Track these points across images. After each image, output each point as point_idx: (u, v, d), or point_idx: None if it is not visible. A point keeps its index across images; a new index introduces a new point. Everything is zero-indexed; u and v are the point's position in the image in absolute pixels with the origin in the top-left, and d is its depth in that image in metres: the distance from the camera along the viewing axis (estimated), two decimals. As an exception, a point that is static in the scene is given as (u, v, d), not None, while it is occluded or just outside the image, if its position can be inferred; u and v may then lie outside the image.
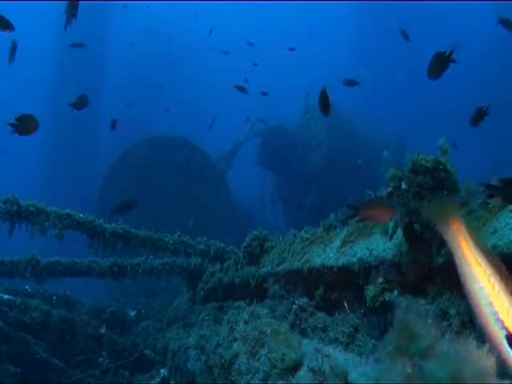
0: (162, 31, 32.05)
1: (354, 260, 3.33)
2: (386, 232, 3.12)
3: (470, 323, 2.40)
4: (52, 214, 6.00)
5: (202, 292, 6.58)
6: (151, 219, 11.45)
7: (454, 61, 3.94)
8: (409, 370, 0.86)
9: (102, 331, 6.73)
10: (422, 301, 2.63)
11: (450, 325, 2.40)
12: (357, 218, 3.81)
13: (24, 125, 5.04)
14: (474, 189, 2.69)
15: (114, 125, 5.86)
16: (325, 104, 4.67)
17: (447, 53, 3.95)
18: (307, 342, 2.34)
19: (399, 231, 2.93)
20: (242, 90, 8.93)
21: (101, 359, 6.60)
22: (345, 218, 4.18)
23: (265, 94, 9.03)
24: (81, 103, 6.21)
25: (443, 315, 2.47)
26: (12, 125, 4.96)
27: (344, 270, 3.51)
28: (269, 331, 2.53)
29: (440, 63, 4.03)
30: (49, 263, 6.57)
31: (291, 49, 11.54)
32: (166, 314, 7.57)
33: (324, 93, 4.61)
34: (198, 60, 29.69)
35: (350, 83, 7.23)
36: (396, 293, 2.88)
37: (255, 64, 14.58)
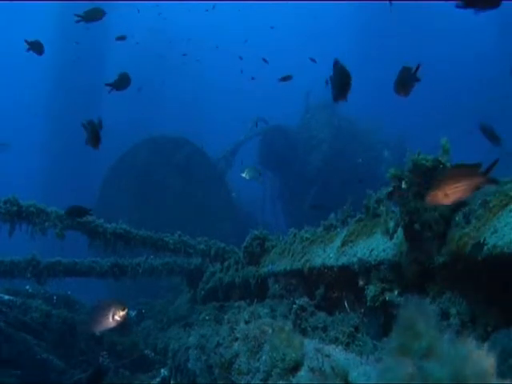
0: (164, 30, 32.05)
1: (355, 260, 3.33)
2: (387, 231, 3.12)
3: (470, 323, 2.40)
4: (52, 215, 6.00)
5: (202, 292, 6.59)
6: (151, 219, 11.45)
7: (418, 79, 3.79)
8: (409, 370, 0.86)
9: (97, 333, 6.71)
10: (426, 300, 2.63)
11: (450, 324, 2.40)
12: (357, 218, 3.81)
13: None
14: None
15: (99, 125, 5.51)
16: (344, 83, 3.47)
17: (413, 70, 3.79)
18: (308, 341, 2.34)
19: (399, 231, 2.93)
20: (288, 78, 8.77)
21: (101, 359, 6.61)
22: (346, 217, 4.18)
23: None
24: (121, 83, 5.48)
25: (444, 315, 2.47)
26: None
27: (344, 269, 3.51)
28: (270, 330, 2.53)
29: (407, 80, 3.84)
30: (49, 263, 6.57)
31: (312, 60, 11.39)
32: (166, 314, 7.57)
33: (341, 68, 3.44)
34: (200, 60, 29.66)
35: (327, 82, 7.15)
36: (396, 292, 2.88)
37: (264, 60, 14.51)
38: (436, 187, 2.33)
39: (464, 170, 2.36)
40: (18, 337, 6.14)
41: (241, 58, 17.88)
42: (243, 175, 7.70)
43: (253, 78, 13.78)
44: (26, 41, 5.93)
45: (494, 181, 2.36)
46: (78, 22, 5.81)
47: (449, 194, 2.32)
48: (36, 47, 6.06)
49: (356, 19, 35.80)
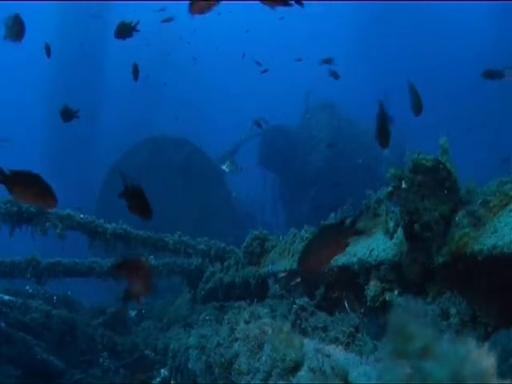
0: (165, 31, 32.02)
1: (354, 260, 3.33)
2: (387, 231, 3.12)
3: (470, 322, 2.40)
4: (52, 215, 6.00)
5: (202, 292, 6.59)
6: (151, 219, 11.42)
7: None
8: (408, 370, 0.86)
9: (102, 359, 6.70)
10: (419, 300, 2.63)
11: (450, 324, 2.40)
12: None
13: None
14: (475, 188, 2.69)
15: (67, 113, 5.40)
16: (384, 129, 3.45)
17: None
18: (307, 341, 2.34)
19: (399, 231, 2.93)
20: (329, 61, 8.84)
21: (101, 359, 6.61)
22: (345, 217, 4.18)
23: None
24: (136, 72, 6.41)
25: (443, 315, 2.47)
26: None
27: (344, 269, 3.51)
28: (270, 330, 2.53)
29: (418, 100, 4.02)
30: (49, 264, 6.57)
31: (298, 60, 11.31)
32: (166, 314, 7.57)
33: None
34: (198, 59, 29.66)
35: (334, 75, 7.27)
36: (396, 292, 2.88)
37: (258, 63, 14.51)
38: (307, 257, 2.42)
39: (330, 232, 2.47)
40: (18, 337, 6.14)
41: (260, 65, 17.45)
42: (223, 168, 7.76)
43: (264, 71, 13.64)
44: (46, 44, 6.59)
45: (360, 232, 2.53)
46: None
47: (321, 258, 2.42)
48: (47, 49, 6.41)
49: (356, 19, 35.81)
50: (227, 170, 7.75)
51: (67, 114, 5.52)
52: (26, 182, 3.14)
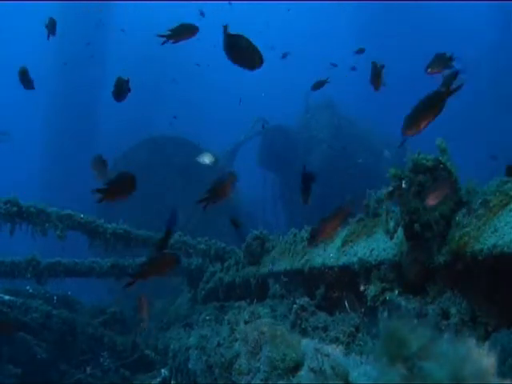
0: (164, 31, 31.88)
1: (355, 260, 3.33)
2: (387, 231, 3.12)
3: (470, 322, 2.40)
4: (53, 215, 6.00)
5: (202, 292, 6.59)
6: (152, 219, 11.42)
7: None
8: (405, 372, 0.86)
9: (102, 359, 6.69)
10: (411, 301, 2.64)
11: (450, 324, 2.40)
12: (357, 218, 3.81)
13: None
14: (475, 188, 2.69)
15: (27, 81, 5.47)
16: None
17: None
18: (308, 341, 2.34)
19: (400, 230, 2.93)
20: (361, 51, 8.92)
21: (101, 359, 6.60)
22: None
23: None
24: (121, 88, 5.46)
25: (443, 314, 2.47)
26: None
27: (345, 269, 3.51)
28: (268, 332, 2.53)
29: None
30: (49, 264, 6.57)
31: (334, 65, 11.28)
32: (167, 314, 7.57)
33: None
34: (200, 59, 29.65)
35: (318, 85, 7.30)
36: (396, 292, 2.88)
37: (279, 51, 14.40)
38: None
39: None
40: (19, 337, 6.14)
41: (285, 56, 16.91)
42: (199, 160, 7.73)
43: (284, 56, 13.49)
44: (50, 19, 6.37)
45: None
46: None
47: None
48: (51, 28, 6.30)
49: (356, 19, 35.80)
50: (207, 162, 7.72)
51: (28, 82, 5.57)
52: (117, 186, 3.36)
